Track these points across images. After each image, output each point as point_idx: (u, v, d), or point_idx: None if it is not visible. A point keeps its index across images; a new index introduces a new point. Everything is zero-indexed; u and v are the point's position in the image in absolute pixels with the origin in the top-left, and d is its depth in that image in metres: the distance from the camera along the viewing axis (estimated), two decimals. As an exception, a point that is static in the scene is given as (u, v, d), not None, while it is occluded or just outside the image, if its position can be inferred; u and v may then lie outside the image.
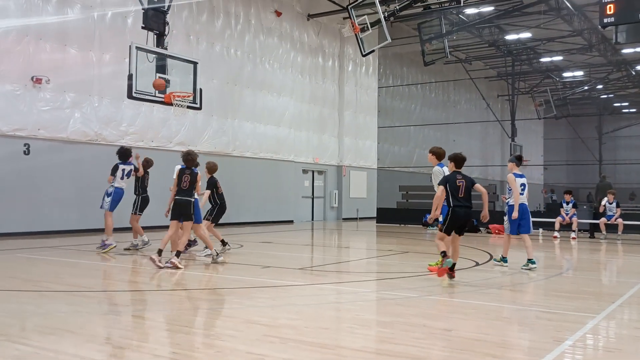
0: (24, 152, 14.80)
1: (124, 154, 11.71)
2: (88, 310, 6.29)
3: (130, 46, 11.96)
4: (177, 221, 9.59)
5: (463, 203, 8.12)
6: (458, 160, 8.32)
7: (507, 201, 10.11)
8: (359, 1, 16.71)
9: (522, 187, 9.96)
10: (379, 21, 16.39)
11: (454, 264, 8.16)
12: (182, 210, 9.56)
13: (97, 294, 7.45)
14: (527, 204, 10.02)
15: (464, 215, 8.14)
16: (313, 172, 25.69)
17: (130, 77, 11.85)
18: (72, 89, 15.77)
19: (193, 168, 9.75)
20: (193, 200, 9.71)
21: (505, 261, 10.09)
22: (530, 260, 9.71)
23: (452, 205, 8.15)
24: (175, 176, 9.85)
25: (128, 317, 6.09)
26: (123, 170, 11.59)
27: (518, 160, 10.11)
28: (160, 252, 9.25)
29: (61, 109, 15.54)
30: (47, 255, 11.10)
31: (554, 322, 5.91)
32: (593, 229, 17.89)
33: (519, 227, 9.88)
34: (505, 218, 10.22)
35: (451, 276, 8.20)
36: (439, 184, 8.35)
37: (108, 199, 11.51)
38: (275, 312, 6.22)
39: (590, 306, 6.82)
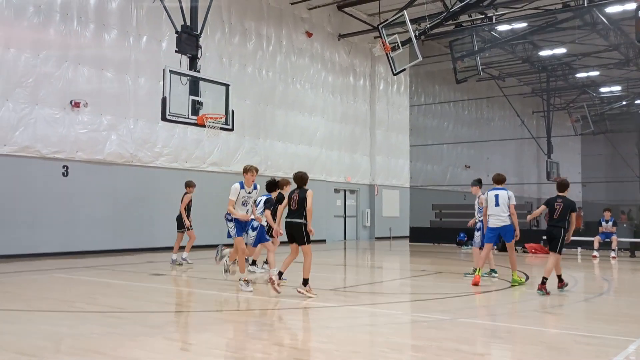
0: (63, 173, 15.18)
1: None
2: (120, 331, 6.34)
3: (164, 70, 12.17)
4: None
5: (554, 224, 9.17)
6: (561, 185, 9.43)
7: (479, 219, 11.10)
8: (390, 20, 16.77)
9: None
10: (409, 40, 16.37)
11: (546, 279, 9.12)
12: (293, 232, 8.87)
13: (130, 315, 7.51)
14: None
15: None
16: (345, 191, 25.64)
17: (164, 100, 12.05)
18: (108, 112, 16.15)
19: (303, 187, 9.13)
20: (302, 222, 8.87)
21: (495, 272, 11.12)
22: (492, 270, 11.09)
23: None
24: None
25: (160, 339, 6.11)
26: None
27: (479, 183, 11.44)
28: (280, 274, 8.95)
29: (98, 132, 15.91)
30: (83, 275, 11.28)
31: (592, 346, 5.72)
32: (634, 248, 17.37)
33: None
34: (478, 233, 11.16)
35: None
36: (544, 204, 9.40)
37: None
38: (306, 334, 6.17)
39: (631, 330, 6.57)
